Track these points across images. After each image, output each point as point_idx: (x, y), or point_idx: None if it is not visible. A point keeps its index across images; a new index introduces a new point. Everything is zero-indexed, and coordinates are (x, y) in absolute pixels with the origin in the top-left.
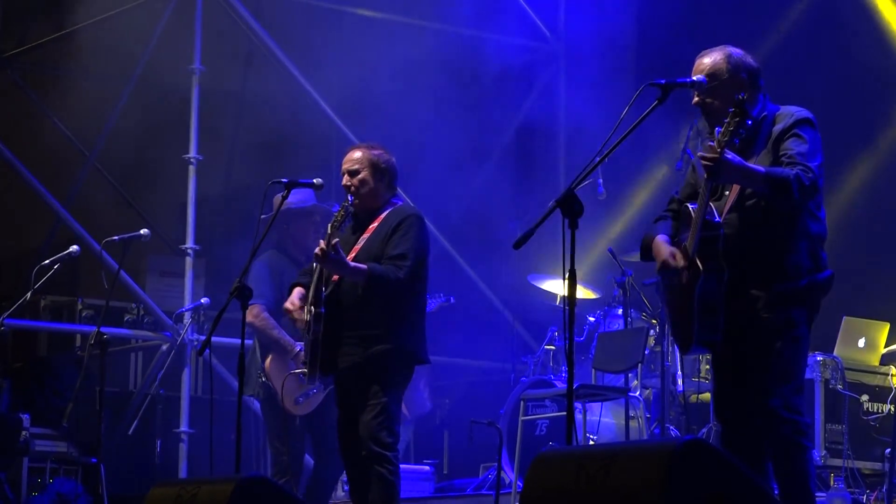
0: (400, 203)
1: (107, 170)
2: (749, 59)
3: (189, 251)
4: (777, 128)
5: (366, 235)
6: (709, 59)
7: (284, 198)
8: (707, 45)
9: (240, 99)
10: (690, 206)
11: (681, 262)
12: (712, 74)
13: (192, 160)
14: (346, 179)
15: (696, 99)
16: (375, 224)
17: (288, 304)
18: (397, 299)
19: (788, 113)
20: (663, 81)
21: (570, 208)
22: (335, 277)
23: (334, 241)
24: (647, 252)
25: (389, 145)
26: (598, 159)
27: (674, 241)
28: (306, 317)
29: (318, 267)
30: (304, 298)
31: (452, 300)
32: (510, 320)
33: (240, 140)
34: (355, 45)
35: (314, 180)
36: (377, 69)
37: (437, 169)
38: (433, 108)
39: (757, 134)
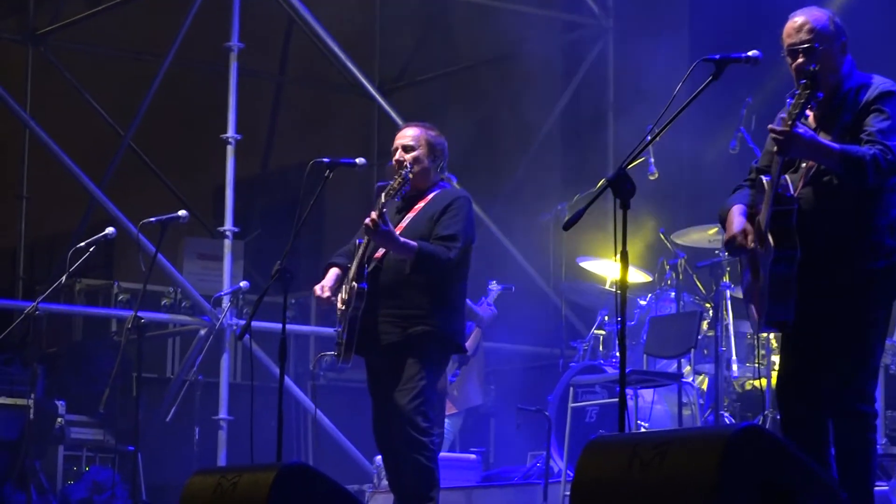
0: (447, 186)
1: (143, 150)
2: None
3: (228, 233)
4: (861, 100)
5: (411, 215)
6: (808, 19)
7: (326, 178)
8: (765, 18)
9: (279, 77)
10: (764, 179)
11: (750, 242)
12: (815, 37)
13: (230, 140)
14: (399, 154)
15: (800, 60)
16: (422, 204)
17: (318, 289)
18: (442, 281)
19: (874, 84)
20: (717, 57)
21: (622, 188)
22: (378, 254)
23: (385, 210)
24: (723, 222)
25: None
26: (649, 138)
27: (751, 211)
28: (344, 295)
29: (365, 241)
30: (339, 280)
31: (513, 288)
32: (559, 304)
33: (279, 119)
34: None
35: (357, 160)
36: (422, 47)
37: (482, 151)
38: (477, 87)
39: (843, 105)
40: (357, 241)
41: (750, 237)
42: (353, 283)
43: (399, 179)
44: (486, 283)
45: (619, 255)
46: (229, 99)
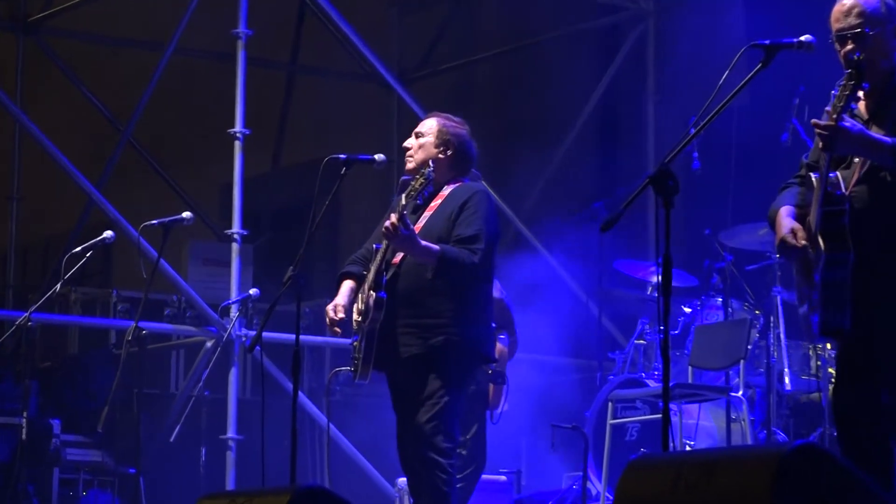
0: (467, 181)
1: (144, 146)
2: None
3: (236, 237)
4: None
5: (427, 213)
6: (857, 1)
7: (343, 176)
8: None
9: (291, 66)
10: (814, 176)
11: (801, 240)
12: (865, 21)
13: (238, 135)
14: (408, 141)
15: (849, 46)
16: (439, 201)
17: (329, 310)
18: (465, 285)
19: None
20: (767, 42)
21: (664, 185)
22: (396, 259)
23: (405, 213)
24: (773, 226)
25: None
26: (693, 130)
27: (802, 211)
28: (360, 306)
29: (384, 248)
30: (354, 293)
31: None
32: (595, 312)
33: (291, 113)
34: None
35: (375, 156)
36: (445, 34)
37: (509, 143)
38: (505, 76)
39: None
40: (374, 247)
41: (800, 235)
42: (371, 292)
43: (421, 180)
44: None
45: (661, 258)
46: (237, 90)
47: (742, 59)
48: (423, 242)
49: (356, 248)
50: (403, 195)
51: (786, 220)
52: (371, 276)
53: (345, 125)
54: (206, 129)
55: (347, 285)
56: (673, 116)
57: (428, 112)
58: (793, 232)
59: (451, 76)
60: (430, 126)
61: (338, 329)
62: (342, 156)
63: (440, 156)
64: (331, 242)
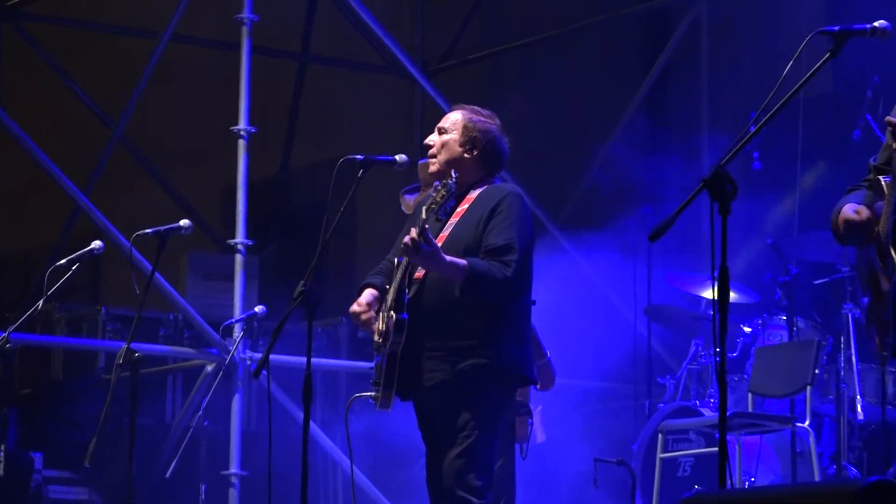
0: (497, 182)
1: (137, 146)
2: None
3: (240, 247)
4: None
5: (453, 220)
6: None
7: (360, 179)
8: None
9: (301, 56)
10: (883, 181)
11: (864, 214)
12: None
13: (242, 133)
14: (429, 138)
15: None
16: (465, 206)
17: (355, 307)
18: (498, 302)
19: None
20: (836, 29)
21: (721, 188)
22: (418, 274)
23: (426, 227)
24: (837, 231)
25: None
26: (753, 127)
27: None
28: (381, 325)
29: (405, 262)
30: (377, 300)
31: (535, 302)
32: (643, 331)
33: (302, 108)
34: None
35: (396, 157)
36: (472, 20)
37: (544, 141)
38: (539, 67)
39: None
40: (397, 260)
41: (865, 214)
42: (392, 313)
43: (442, 192)
44: None
45: (717, 271)
46: (241, 83)
47: (808, 47)
48: (449, 258)
49: (374, 260)
50: (424, 208)
51: (848, 205)
52: (391, 294)
53: (362, 122)
54: (207, 127)
55: (370, 292)
56: (730, 112)
57: (454, 107)
58: (857, 213)
59: (479, 67)
60: (454, 121)
61: (371, 324)
62: (359, 156)
63: (466, 155)
64: (346, 253)
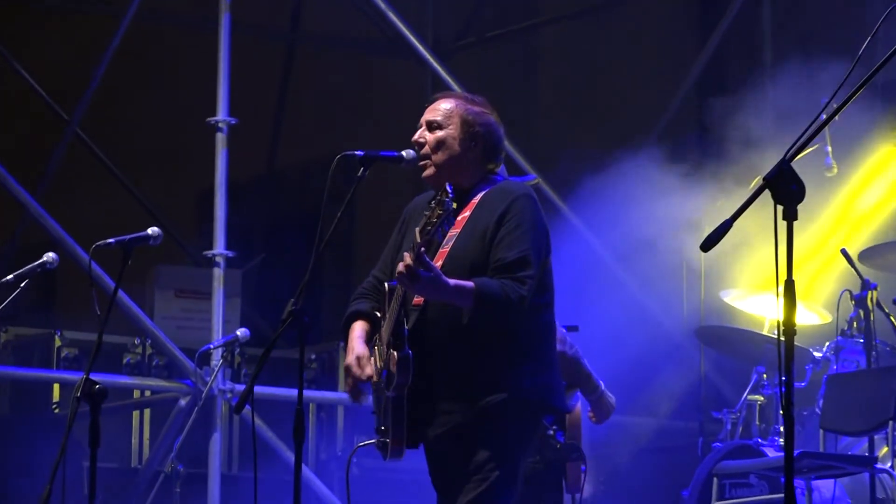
0: (501, 179)
1: (96, 141)
2: None
3: (218, 260)
4: None
5: (454, 232)
6: None
7: (360, 179)
8: None
9: (291, 35)
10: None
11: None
12: None
13: (220, 126)
14: (419, 134)
15: None
16: (467, 213)
17: (352, 364)
18: (515, 326)
19: None
20: None
21: (786, 189)
22: (417, 300)
23: (422, 251)
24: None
25: (504, 99)
26: (824, 116)
27: None
28: (378, 363)
29: (399, 289)
30: (369, 337)
31: (578, 329)
32: (695, 358)
33: (291, 96)
34: None
35: (403, 153)
36: None
37: (576, 132)
38: (566, 48)
39: None
40: (388, 285)
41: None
42: (392, 350)
43: (437, 211)
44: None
45: (781, 287)
46: (219, 67)
47: (890, 19)
48: (453, 282)
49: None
50: (417, 231)
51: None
52: (387, 326)
53: (363, 111)
54: (180, 119)
55: (360, 328)
56: (796, 97)
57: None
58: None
59: (500, 47)
60: (448, 113)
61: (365, 395)
62: (359, 152)
63: (469, 154)
64: (344, 267)
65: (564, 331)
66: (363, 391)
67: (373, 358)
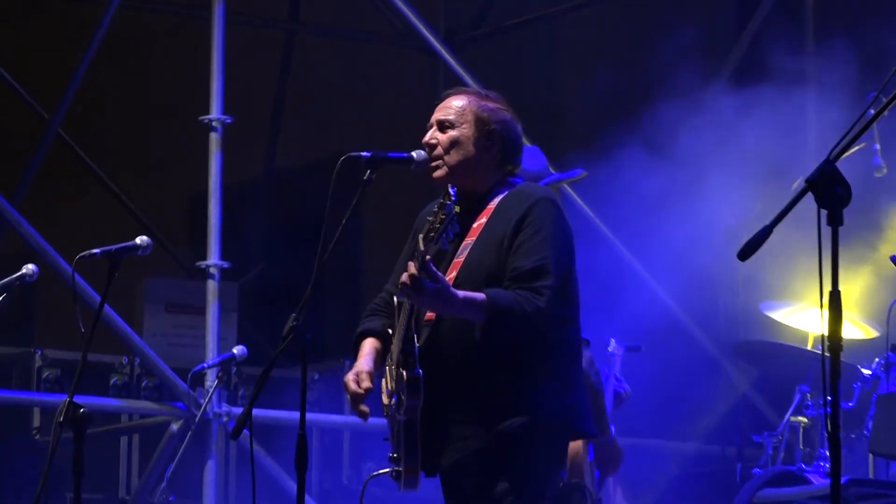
0: (519, 182)
1: (79, 142)
2: None
3: (212, 271)
4: None
5: (469, 240)
6: None
7: (366, 182)
8: None
9: (290, 25)
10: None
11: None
12: None
13: (214, 125)
14: (430, 135)
15: None
16: (483, 219)
17: (350, 380)
18: (536, 340)
19: None
20: None
21: (830, 193)
22: (429, 316)
23: (428, 259)
24: None
25: (523, 94)
26: (873, 111)
27: None
28: (390, 384)
29: (406, 304)
30: (380, 357)
31: (642, 348)
32: (732, 375)
33: (291, 91)
34: None
35: (413, 153)
36: None
37: (603, 129)
38: (590, 36)
39: None
40: (396, 299)
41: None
42: (402, 370)
43: (440, 216)
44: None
45: (826, 298)
46: (212, 60)
47: None
48: (462, 293)
49: (381, 289)
50: (420, 237)
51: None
52: (396, 343)
53: (370, 109)
54: (171, 118)
55: (369, 346)
56: (843, 88)
57: (486, 86)
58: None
59: (518, 37)
60: (461, 111)
61: (365, 408)
62: (365, 153)
63: (484, 155)
64: (351, 278)
65: (591, 354)
66: (367, 407)
67: (384, 379)
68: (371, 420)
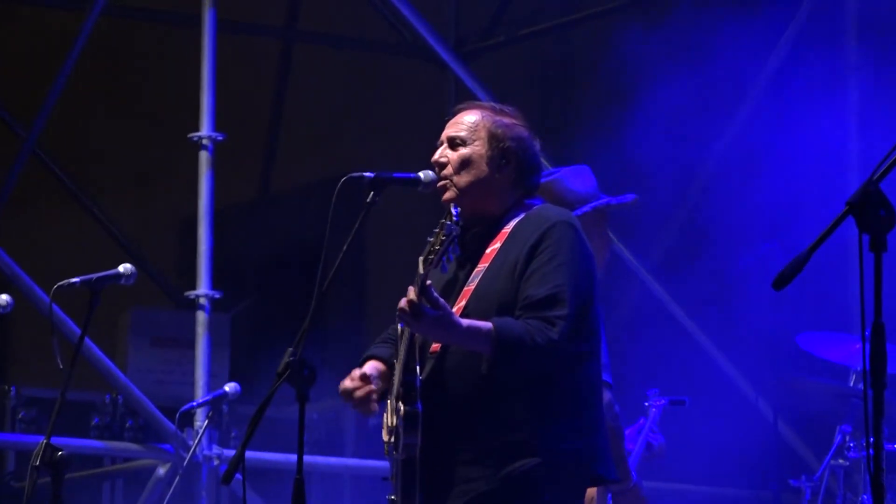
0: (538, 204)
1: (58, 161)
2: None
3: (203, 301)
4: None
5: (481, 266)
6: None
7: (370, 205)
8: None
9: (288, 33)
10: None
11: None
12: None
13: (205, 142)
14: (440, 153)
15: None
16: (497, 244)
17: (346, 382)
18: (551, 376)
19: None
20: None
21: (873, 216)
22: (434, 347)
23: (428, 283)
24: None
25: (540, 108)
26: None
27: None
28: (390, 419)
29: (406, 332)
30: (385, 379)
31: (687, 402)
32: (769, 415)
33: (288, 106)
34: None
35: (420, 174)
36: None
37: (626, 148)
38: (618, 44)
39: None
40: (399, 327)
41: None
42: (400, 403)
43: (441, 237)
44: (642, 392)
45: (869, 330)
46: (202, 72)
47: None
48: (466, 322)
49: (391, 319)
50: (420, 260)
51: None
52: (397, 375)
53: (373, 125)
54: (157, 134)
55: (372, 364)
56: (889, 99)
57: (499, 100)
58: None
59: (532, 47)
60: (473, 127)
61: (369, 403)
62: (369, 174)
63: (497, 175)
64: (353, 309)
65: (611, 396)
66: (369, 400)
67: (385, 415)
68: (371, 463)
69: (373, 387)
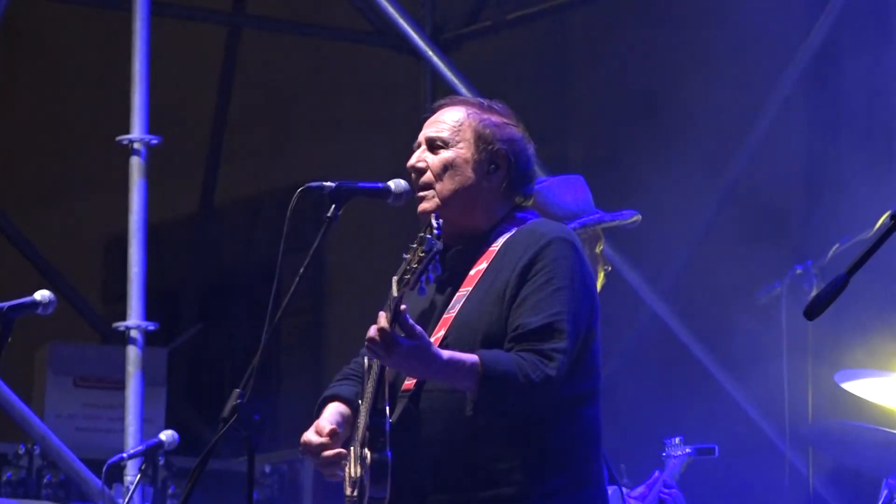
0: (531, 218)
1: None
2: None
3: (134, 334)
4: None
5: (464, 290)
6: None
7: (331, 220)
8: None
9: (235, 18)
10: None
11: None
12: None
13: (136, 146)
14: (417, 156)
15: None
16: (483, 265)
17: (309, 436)
18: (543, 418)
19: None
20: None
21: None
22: (408, 384)
23: (402, 308)
24: None
25: (531, 103)
26: None
27: None
28: (353, 470)
29: (375, 366)
30: (347, 424)
31: (716, 451)
32: (802, 466)
33: (237, 102)
34: None
35: (390, 183)
36: None
37: (629, 150)
38: (619, 31)
39: None
40: (366, 360)
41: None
42: (367, 451)
43: (419, 253)
44: (660, 440)
45: None
46: (134, 65)
47: None
48: (446, 354)
49: (352, 353)
50: (394, 280)
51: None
52: (363, 416)
53: (336, 125)
54: (82, 136)
55: (334, 408)
56: None
57: (486, 95)
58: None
59: (519, 36)
60: (456, 126)
61: (337, 466)
62: (330, 183)
63: (484, 182)
64: (312, 342)
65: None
66: (332, 461)
67: (348, 465)
68: None
69: (343, 451)
